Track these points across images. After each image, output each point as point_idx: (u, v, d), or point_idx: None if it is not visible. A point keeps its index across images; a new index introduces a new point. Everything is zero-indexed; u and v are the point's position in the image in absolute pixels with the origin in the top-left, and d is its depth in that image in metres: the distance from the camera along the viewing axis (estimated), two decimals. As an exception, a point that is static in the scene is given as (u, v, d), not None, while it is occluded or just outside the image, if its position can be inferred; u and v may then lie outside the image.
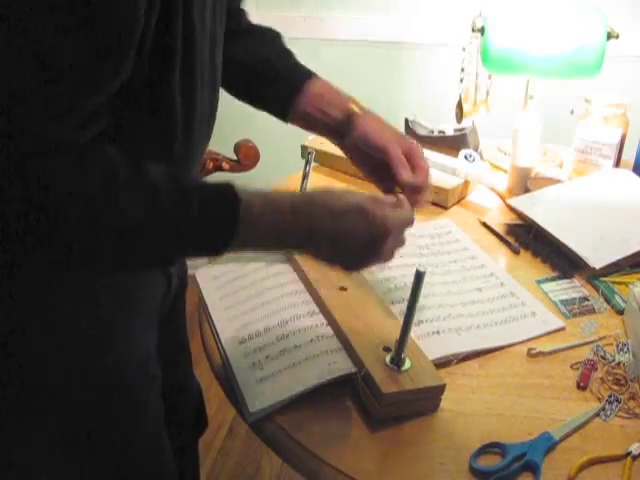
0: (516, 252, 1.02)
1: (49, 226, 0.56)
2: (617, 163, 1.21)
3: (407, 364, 0.72)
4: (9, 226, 0.55)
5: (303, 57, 0.91)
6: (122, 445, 0.82)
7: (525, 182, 1.17)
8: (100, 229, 0.58)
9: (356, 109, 0.85)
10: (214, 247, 0.64)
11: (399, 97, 1.88)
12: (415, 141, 0.84)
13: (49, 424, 0.75)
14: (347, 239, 0.67)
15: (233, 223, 0.62)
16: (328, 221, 0.67)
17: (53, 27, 0.50)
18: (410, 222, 0.73)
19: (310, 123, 0.88)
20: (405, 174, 0.79)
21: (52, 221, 0.56)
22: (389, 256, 0.72)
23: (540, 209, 1.07)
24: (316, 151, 1.00)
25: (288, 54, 0.91)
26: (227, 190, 0.63)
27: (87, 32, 0.51)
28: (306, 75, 0.88)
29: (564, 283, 0.95)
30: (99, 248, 0.59)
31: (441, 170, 1.18)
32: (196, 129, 0.70)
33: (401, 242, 0.73)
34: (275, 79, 0.88)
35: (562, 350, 0.82)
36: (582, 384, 0.76)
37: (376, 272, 0.92)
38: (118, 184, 0.57)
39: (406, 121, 1.33)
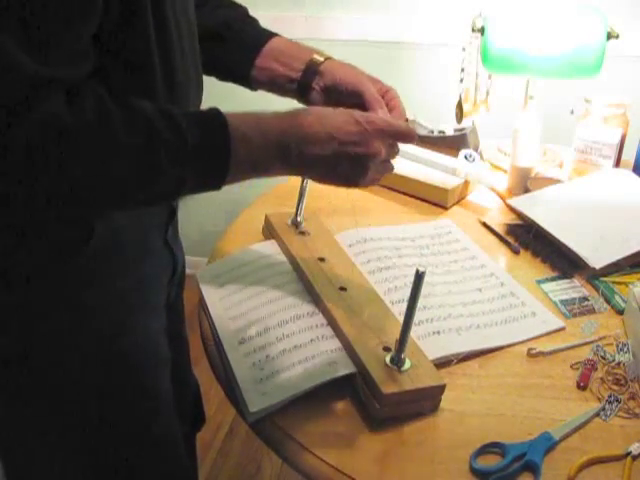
0: (516, 252, 1.02)
1: (49, 171, 0.56)
2: (617, 163, 1.21)
3: (407, 364, 0.72)
4: (12, 175, 0.55)
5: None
6: (138, 430, 0.82)
7: (525, 182, 1.17)
8: (101, 164, 0.58)
9: (320, 58, 0.84)
10: (214, 170, 0.65)
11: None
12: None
13: (63, 410, 0.76)
14: (339, 135, 0.68)
15: (226, 143, 0.64)
16: (317, 123, 0.68)
17: None
18: (404, 130, 0.73)
19: (273, 80, 0.86)
20: (382, 114, 0.78)
21: (52, 165, 0.56)
22: (387, 166, 0.74)
23: (540, 209, 1.07)
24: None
25: (252, 19, 0.91)
26: (214, 114, 0.65)
27: None
28: (267, 35, 0.87)
29: (564, 283, 0.95)
30: (103, 184, 0.60)
31: (441, 170, 1.18)
32: (179, 83, 0.70)
33: (395, 150, 0.74)
34: (236, 40, 0.87)
35: (562, 350, 0.82)
36: (582, 384, 0.76)
37: (376, 272, 0.92)
38: (112, 118, 0.58)
39: (406, 121, 1.32)
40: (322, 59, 0.84)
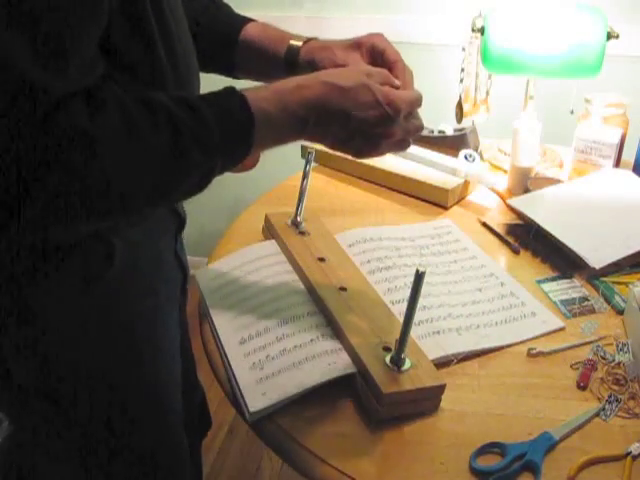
0: (516, 252, 1.02)
1: (83, 187, 0.55)
2: (617, 163, 1.21)
3: (407, 364, 0.72)
4: (44, 190, 0.53)
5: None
6: (148, 444, 0.82)
7: (525, 182, 1.17)
8: (134, 170, 0.57)
9: (296, 43, 0.83)
10: (239, 151, 0.65)
11: (399, 97, 1.88)
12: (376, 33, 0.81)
13: (88, 437, 0.76)
14: (358, 112, 0.67)
15: (250, 123, 0.64)
16: (335, 96, 0.67)
17: None
18: (419, 101, 0.72)
19: (259, 73, 0.85)
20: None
21: (85, 181, 0.54)
22: (405, 143, 0.72)
23: (540, 209, 1.07)
24: (316, 151, 1.00)
25: (228, 7, 0.89)
26: (230, 91, 0.64)
27: None
28: (242, 22, 0.86)
29: (564, 283, 0.95)
30: (138, 183, 0.58)
31: (441, 170, 1.18)
32: (182, 70, 0.70)
33: (414, 127, 0.72)
34: (206, 39, 0.85)
35: (562, 350, 0.81)
36: (582, 384, 0.76)
37: (376, 272, 0.92)
38: (137, 121, 0.57)
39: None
40: (299, 43, 0.82)
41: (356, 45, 0.80)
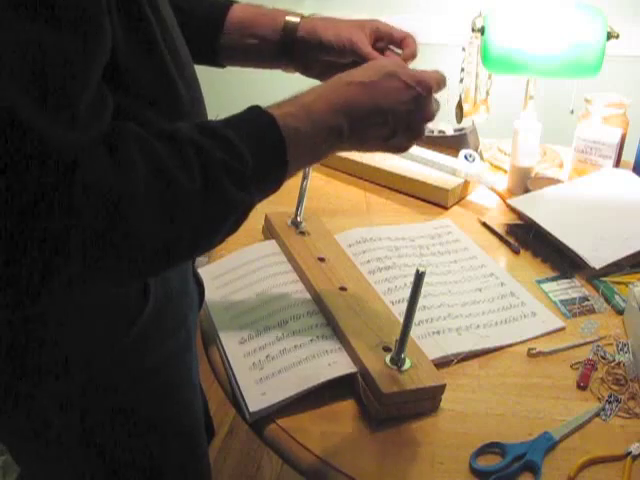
0: (516, 252, 1.02)
1: (118, 247, 0.48)
2: (617, 163, 1.21)
3: (407, 364, 0.72)
4: (73, 260, 0.46)
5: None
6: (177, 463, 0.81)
7: (525, 182, 1.17)
8: (170, 216, 0.51)
9: (293, 19, 0.78)
10: (275, 176, 0.61)
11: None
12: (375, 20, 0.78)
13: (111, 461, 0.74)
14: (390, 101, 0.64)
15: (282, 146, 0.59)
16: (363, 94, 0.63)
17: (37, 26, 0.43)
18: (444, 80, 0.69)
19: (247, 56, 0.81)
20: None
21: (117, 231, 0.47)
22: (431, 115, 0.69)
23: (540, 209, 1.07)
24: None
25: None
26: (258, 114, 0.59)
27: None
28: (226, 3, 0.80)
29: (564, 283, 0.95)
30: (177, 234, 0.52)
31: (441, 170, 1.18)
32: (188, 76, 0.65)
33: (437, 105, 0.69)
34: (189, 25, 0.75)
35: (562, 350, 0.81)
36: (582, 384, 0.76)
37: (376, 272, 0.92)
38: (163, 161, 0.51)
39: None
40: (296, 20, 0.78)
41: (360, 26, 0.78)
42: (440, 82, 0.68)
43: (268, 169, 0.59)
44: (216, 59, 0.82)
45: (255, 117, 0.59)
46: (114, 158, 0.48)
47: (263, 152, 0.58)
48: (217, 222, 0.57)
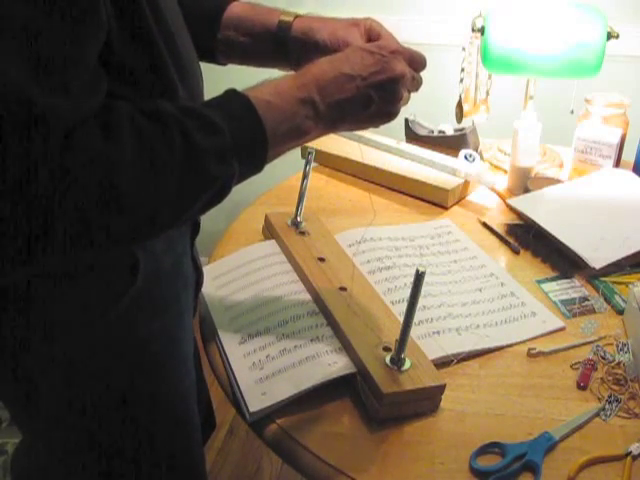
0: (516, 252, 1.02)
1: (104, 215, 0.52)
2: (617, 163, 1.21)
3: (407, 364, 0.72)
4: (65, 217, 0.50)
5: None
6: (169, 451, 0.81)
7: (525, 182, 1.17)
8: (155, 184, 0.55)
9: (287, 18, 0.80)
10: (256, 149, 0.62)
11: (399, 97, 1.88)
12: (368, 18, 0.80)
13: (98, 432, 0.74)
14: (358, 71, 0.66)
15: (256, 118, 0.61)
16: (327, 66, 0.66)
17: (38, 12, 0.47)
18: (418, 54, 0.71)
19: (244, 53, 0.82)
20: None
21: (104, 196, 0.52)
22: (416, 83, 0.71)
23: (540, 209, 1.07)
24: (316, 151, 1.00)
25: None
26: (232, 94, 0.62)
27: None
28: (223, 1, 0.82)
29: (564, 283, 0.95)
30: (161, 200, 0.56)
31: (441, 170, 1.18)
32: (188, 70, 0.67)
33: (418, 80, 0.71)
34: (187, 20, 0.79)
35: (562, 350, 0.82)
36: (582, 384, 0.76)
37: (376, 272, 0.92)
38: (149, 134, 0.55)
39: (406, 121, 1.33)
40: (289, 19, 0.80)
41: (354, 24, 0.79)
42: (406, 49, 0.70)
43: (246, 139, 0.61)
44: (215, 56, 0.84)
45: (231, 98, 0.62)
46: (104, 128, 0.52)
47: (237, 123, 0.60)
48: (198, 191, 0.59)
